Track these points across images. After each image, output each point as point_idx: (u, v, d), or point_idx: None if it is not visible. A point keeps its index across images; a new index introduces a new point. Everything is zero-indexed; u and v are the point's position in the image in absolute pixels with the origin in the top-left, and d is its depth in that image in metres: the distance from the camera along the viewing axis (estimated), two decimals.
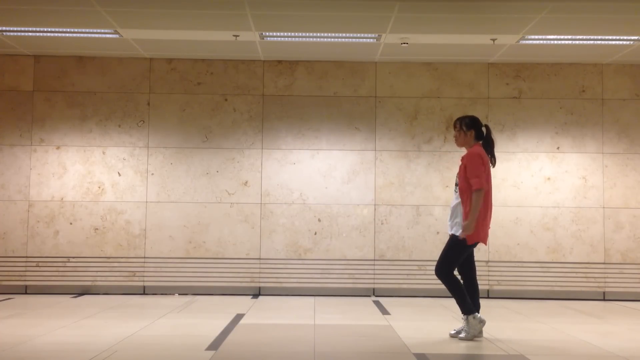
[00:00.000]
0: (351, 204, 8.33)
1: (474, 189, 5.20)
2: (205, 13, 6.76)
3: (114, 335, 5.32)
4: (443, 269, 5.28)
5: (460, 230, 5.21)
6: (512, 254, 8.27)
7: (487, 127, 5.52)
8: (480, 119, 5.59)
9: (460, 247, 5.26)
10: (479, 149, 5.39)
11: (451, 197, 8.21)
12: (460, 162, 5.41)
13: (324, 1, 6.41)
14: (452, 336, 5.40)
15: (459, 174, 5.37)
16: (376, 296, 8.20)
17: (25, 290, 8.20)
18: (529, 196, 8.32)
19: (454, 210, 5.35)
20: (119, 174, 8.32)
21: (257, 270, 8.27)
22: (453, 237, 5.29)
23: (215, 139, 8.38)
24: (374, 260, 8.28)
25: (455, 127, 5.55)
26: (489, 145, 5.48)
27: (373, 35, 7.41)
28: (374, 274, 8.27)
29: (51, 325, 5.81)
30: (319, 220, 8.31)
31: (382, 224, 8.30)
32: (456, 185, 5.41)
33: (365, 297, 8.11)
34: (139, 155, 8.35)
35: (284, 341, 5.25)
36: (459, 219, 5.28)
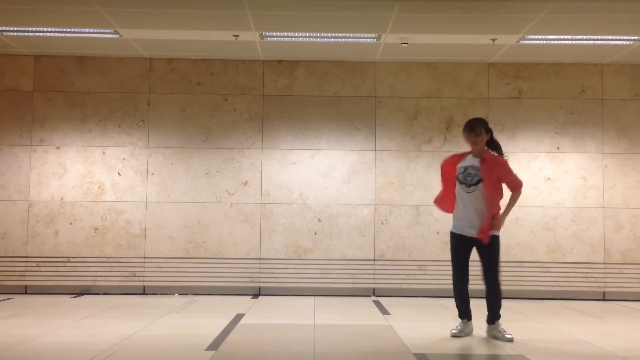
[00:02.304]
0: (351, 204, 8.33)
1: (518, 190, 5.41)
2: (205, 13, 6.76)
3: (114, 335, 5.32)
4: (497, 274, 5.34)
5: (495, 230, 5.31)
6: (512, 254, 8.27)
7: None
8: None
9: (498, 245, 5.39)
10: (498, 155, 5.48)
11: None
12: (479, 164, 5.39)
13: (324, 1, 6.41)
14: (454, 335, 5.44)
15: (484, 178, 5.32)
16: (376, 296, 8.20)
17: (25, 290, 8.20)
18: (529, 196, 8.31)
19: (473, 213, 5.34)
20: (119, 174, 8.32)
21: (257, 270, 8.27)
22: (493, 239, 5.31)
23: (215, 139, 8.38)
24: (374, 260, 8.28)
25: (474, 130, 5.39)
26: (497, 149, 5.52)
27: (373, 35, 7.41)
28: (374, 274, 8.27)
29: (51, 325, 5.81)
30: (319, 220, 8.31)
31: (382, 224, 8.30)
32: (469, 185, 5.37)
33: (365, 297, 8.11)
34: (139, 155, 8.35)
35: (284, 341, 5.26)
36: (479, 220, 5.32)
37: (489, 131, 5.48)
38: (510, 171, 5.44)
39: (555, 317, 6.69)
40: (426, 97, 8.46)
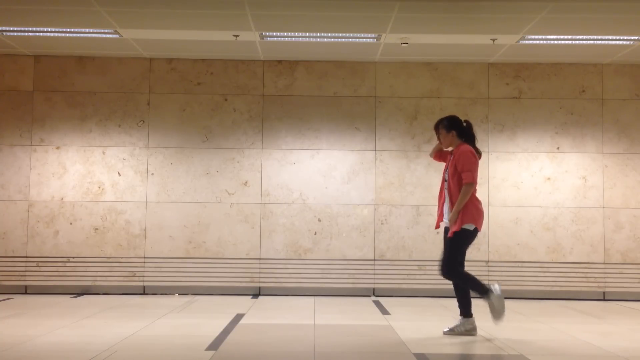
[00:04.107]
0: (351, 204, 8.33)
1: (465, 182, 5.27)
2: (205, 13, 6.76)
3: (114, 335, 5.32)
4: (453, 266, 5.33)
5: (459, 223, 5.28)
6: (512, 254, 8.27)
7: (467, 122, 5.61)
8: (472, 117, 5.69)
9: (465, 239, 5.33)
10: (468, 146, 5.47)
11: None
12: (450, 159, 5.52)
13: (324, 1, 6.41)
14: (446, 333, 5.45)
15: (448, 171, 5.45)
16: (376, 296, 8.20)
17: (25, 290, 8.20)
18: (529, 196, 8.32)
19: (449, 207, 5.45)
20: (119, 174, 8.32)
21: (257, 270, 8.27)
22: (458, 233, 5.29)
23: (215, 139, 8.38)
24: (374, 260, 8.28)
25: (435, 129, 5.66)
26: (471, 141, 5.55)
27: (373, 35, 7.41)
28: (374, 274, 8.27)
29: (51, 325, 5.81)
30: (319, 220, 8.31)
31: (382, 224, 8.30)
32: (446, 181, 5.51)
33: (365, 297, 8.11)
34: (139, 155, 8.35)
35: (284, 341, 5.26)
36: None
37: (453, 127, 5.53)
38: (465, 161, 5.33)
39: (555, 317, 6.69)
40: (426, 97, 8.46)
